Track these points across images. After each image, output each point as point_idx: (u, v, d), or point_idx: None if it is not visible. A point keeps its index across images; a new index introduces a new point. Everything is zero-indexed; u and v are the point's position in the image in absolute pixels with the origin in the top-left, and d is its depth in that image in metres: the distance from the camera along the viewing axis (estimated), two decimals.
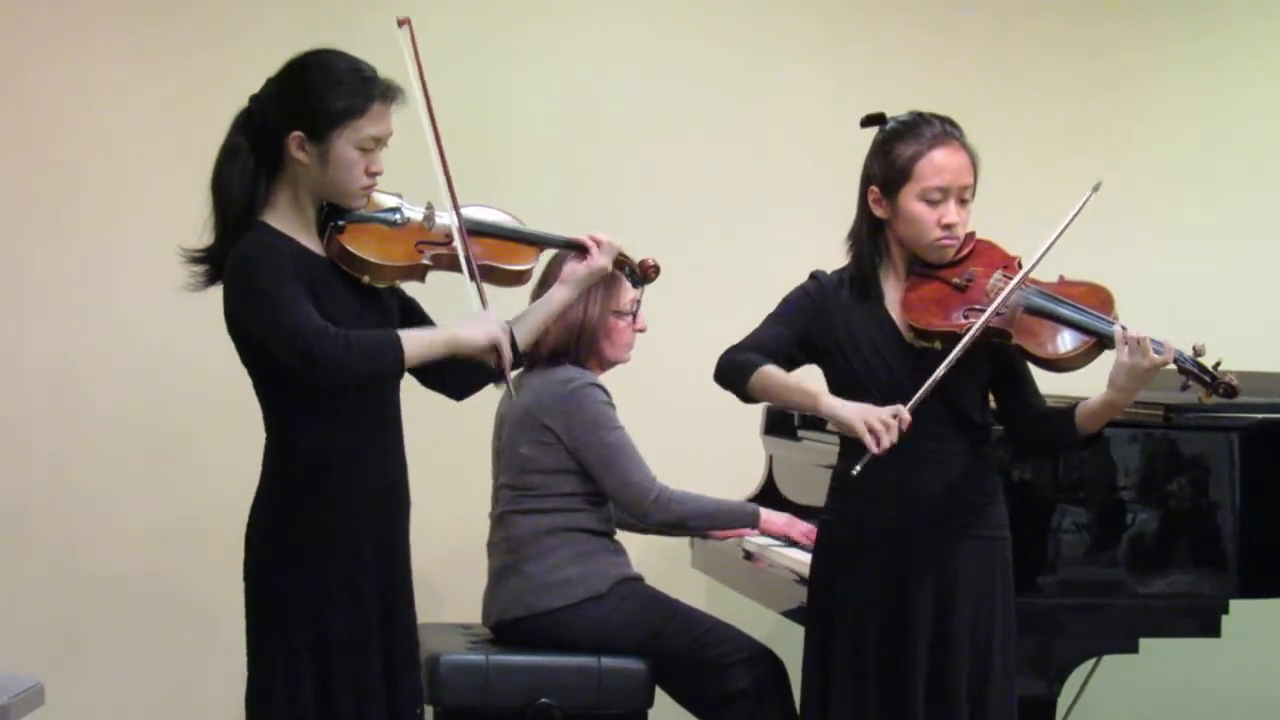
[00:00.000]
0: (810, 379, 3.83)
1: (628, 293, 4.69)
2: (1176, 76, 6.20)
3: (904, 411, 3.58)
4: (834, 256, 3.86)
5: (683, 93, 5.95)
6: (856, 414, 3.61)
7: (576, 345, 4.65)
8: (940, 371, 3.60)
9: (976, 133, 3.77)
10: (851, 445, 3.75)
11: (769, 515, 4.72)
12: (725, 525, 4.79)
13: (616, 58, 5.93)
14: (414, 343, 3.46)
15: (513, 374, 3.60)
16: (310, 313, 3.38)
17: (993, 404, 3.85)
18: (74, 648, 5.53)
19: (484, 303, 3.54)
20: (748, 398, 3.84)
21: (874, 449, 3.57)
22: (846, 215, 3.83)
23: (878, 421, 3.58)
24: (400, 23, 3.55)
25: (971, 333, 3.59)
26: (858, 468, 3.60)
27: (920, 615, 3.69)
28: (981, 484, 3.77)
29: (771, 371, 3.77)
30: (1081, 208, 3.65)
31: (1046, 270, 3.72)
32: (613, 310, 4.68)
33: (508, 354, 3.52)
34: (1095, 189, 3.63)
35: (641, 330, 4.77)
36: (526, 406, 4.64)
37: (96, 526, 5.56)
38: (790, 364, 3.83)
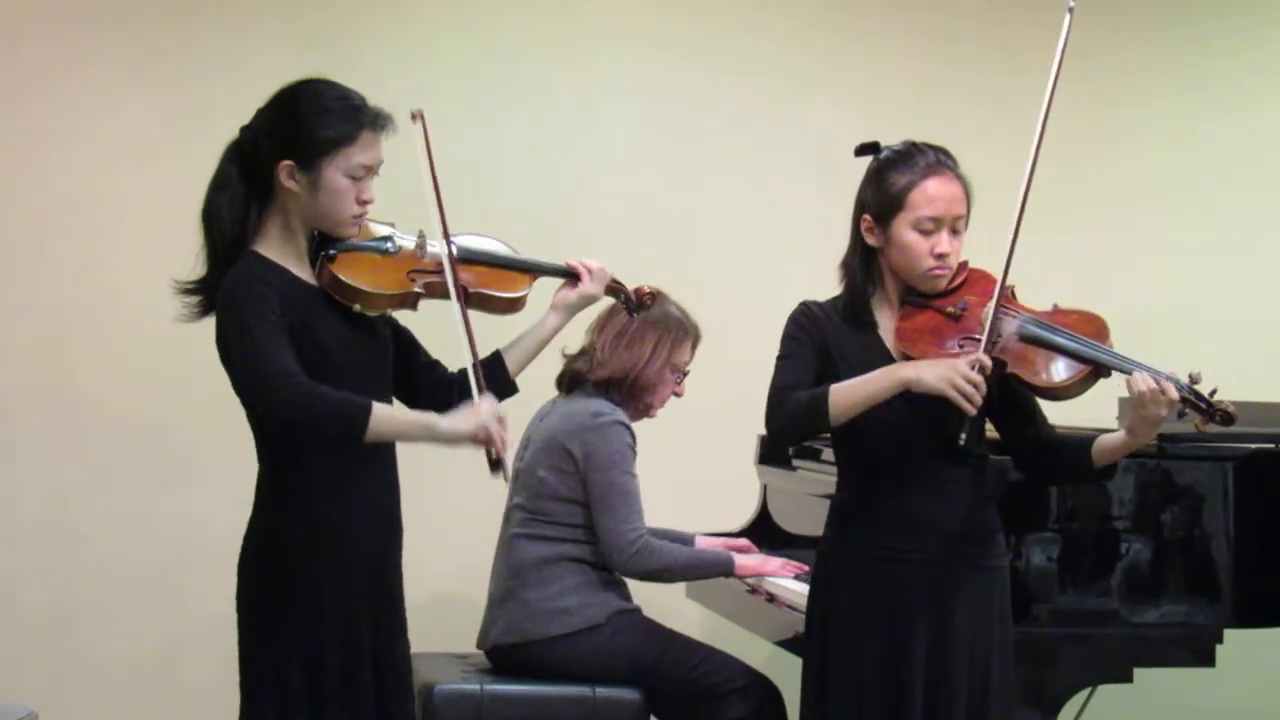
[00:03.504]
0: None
1: (687, 352, 4.71)
2: (1153, 104, 6.29)
3: (984, 358, 3.54)
4: (832, 284, 3.85)
5: (681, 122, 5.98)
6: (943, 381, 3.51)
7: (630, 384, 4.67)
8: (987, 327, 3.58)
9: (967, 153, 3.77)
10: (854, 471, 3.76)
11: (742, 561, 4.70)
12: (700, 577, 4.80)
13: (615, 88, 5.96)
14: (385, 419, 3.43)
15: (509, 460, 3.53)
16: (283, 356, 3.37)
17: (991, 432, 3.85)
18: (69, 676, 5.52)
19: (480, 389, 3.50)
20: (825, 428, 3.73)
21: (971, 412, 3.52)
22: (844, 241, 3.83)
23: (964, 382, 3.50)
24: (414, 116, 3.53)
25: (986, 336, 3.57)
26: (963, 436, 3.55)
27: (918, 645, 3.68)
28: (982, 514, 3.76)
29: (840, 388, 3.64)
30: (1065, 39, 3.68)
31: (1039, 296, 3.73)
32: (670, 363, 4.69)
33: (500, 444, 3.45)
34: (1071, 10, 3.68)
35: (678, 394, 4.78)
36: (553, 430, 4.66)
37: (91, 554, 5.56)
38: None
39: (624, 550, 4.57)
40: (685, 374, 4.78)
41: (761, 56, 6.06)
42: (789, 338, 3.80)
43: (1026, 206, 3.62)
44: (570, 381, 4.75)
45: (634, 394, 4.70)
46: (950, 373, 3.52)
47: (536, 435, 4.72)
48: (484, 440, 3.44)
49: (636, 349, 4.67)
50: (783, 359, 3.79)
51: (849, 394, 3.61)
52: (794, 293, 3.96)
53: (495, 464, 3.47)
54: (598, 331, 4.73)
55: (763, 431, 3.79)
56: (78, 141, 5.64)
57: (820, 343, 3.74)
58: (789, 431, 3.84)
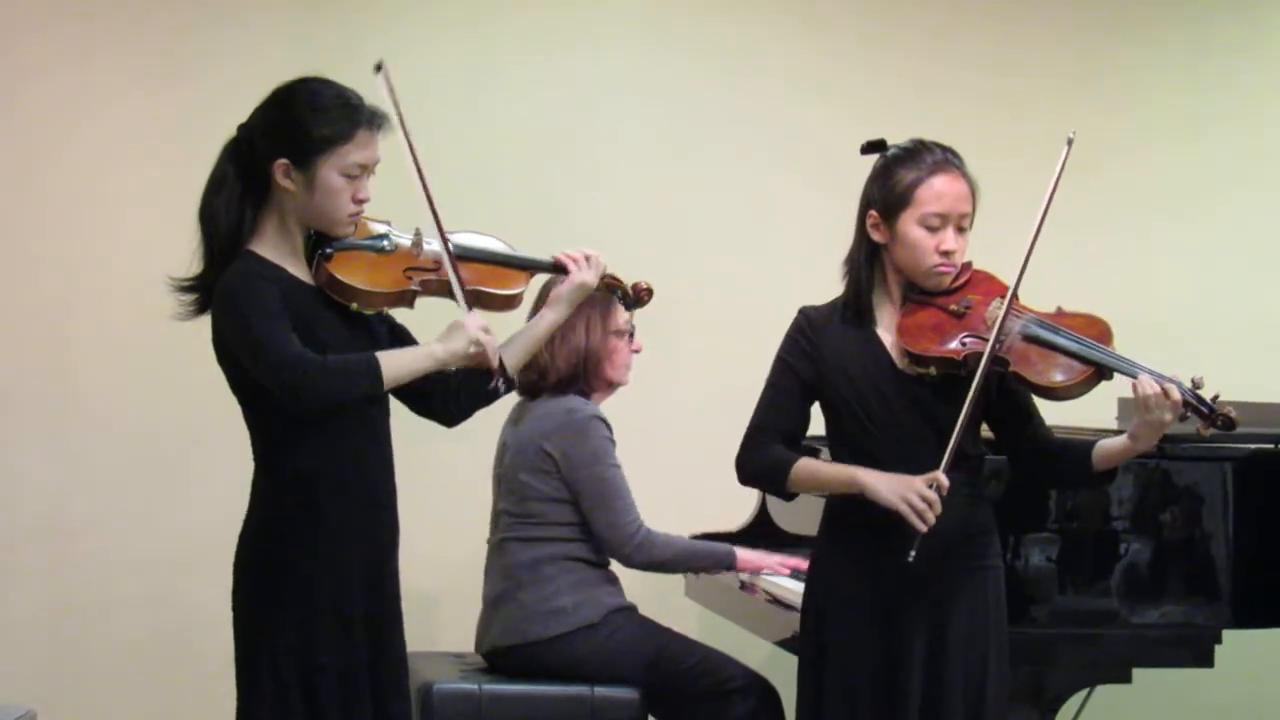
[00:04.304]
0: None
1: (622, 313, 4.70)
2: (1157, 103, 6.28)
3: (941, 477, 3.58)
4: (829, 284, 3.85)
5: (677, 119, 5.97)
6: (895, 495, 3.58)
7: (584, 372, 4.66)
8: (977, 384, 3.59)
9: (971, 155, 3.77)
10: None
11: (744, 555, 4.72)
12: (702, 568, 4.82)
13: (610, 85, 5.95)
14: (393, 363, 3.46)
15: (503, 385, 3.57)
16: (288, 340, 3.38)
17: (987, 433, 3.85)
18: (66, 676, 5.51)
19: (468, 306, 3.54)
20: (783, 496, 3.87)
21: (922, 529, 3.57)
22: (842, 243, 3.83)
23: (918, 499, 3.56)
24: (376, 68, 3.51)
25: (982, 367, 3.59)
26: (911, 554, 3.57)
27: (914, 645, 3.68)
28: (976, 516, 3.76)
29: (804, 466, 3.76)
30: (1063, 165, 3.65)
31: (1043, 299, 3.73)
32: (611, 331, 4.69)
33: (493, 351, 3.51)
34: (1070, 142, 3.64)
35: (637, 351, 4.77)
36: (529, 434, 4.64)
37: (88, 554, 5.56)
38: (807, 421, 3.83)
39: (626, 543, 4.58)
40: (632, 331, 4.75)
41: (762, 55, 6.05)
42: (781, 360, 3.82)
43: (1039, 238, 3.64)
44: (529, 390, 4.73)
45: (593, 376, 4.69)
46: (905, 489, 3.59)
47: (512, 440, 4.71)
48: (478, 354, 3.50)
49: (572, 337, 4.64)
50: (770, 388, 3.83)
51: (810, 476, 3.76)
52: (793, 291, 3.96)
53: (490, 377, 3.52)
54: None
55: None
56: (75, 139, 5.63)
57: (809, 358, 3.76)
58: (751, 483, 3.93)
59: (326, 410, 3.45)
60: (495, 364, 3.52)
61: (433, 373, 3.59)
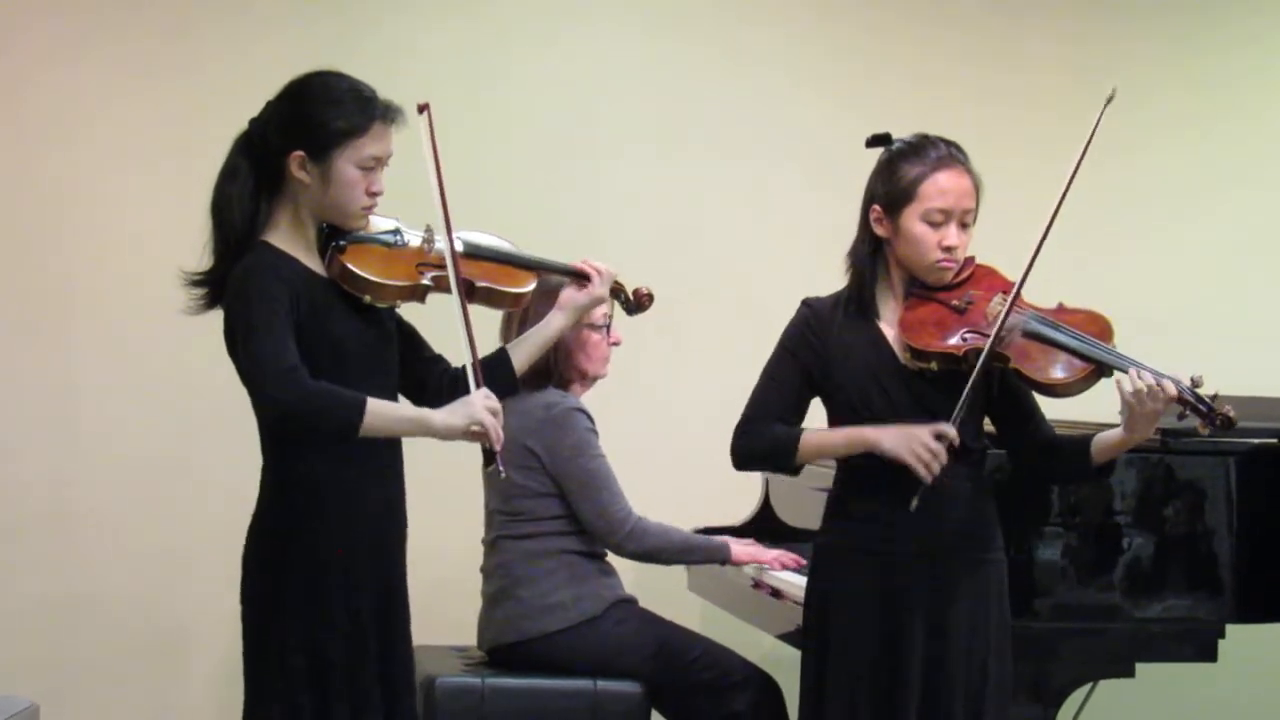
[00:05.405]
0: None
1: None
2: (1165, 98, 6.27)
3: (948, 428, 3.60)
4: (830, 279, 3.87)
5: (679, 113, 5.97)
6: (902, 445, 3.61)
7: (555, 365, 4.64)
8: (974, 378, 3.60)
9: (972, 150, 3.79)
10: (853, 464, 3.76)
11: (738, 549, 4.72)
12: (696, 560, 4.81)
13: (614, 79, 5.95)
14: (379, 414, 3.42)
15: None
16: (284, 351, 3.37)
17: (989, 427, 3.86)
18: (69, 670, 5.52)
19: (478, 383, 3.51)
20: (789, 470, 3.85)
21: (928, 480, 3.59)
22: (843, 238, 3.84)
23: (924, 450, 3.59)
24: (420, 108, 3.53)
25: (980, 362, 3.60)
26: (915, 502, 3.60)
27: (915, 638, 3.70)
28: (978, 509, 3.78)
29: (809, 436, 3.78)
30: (1099, 120, 3.68)
31: (1045, 295, 3.74)
32: (585, 324, 4.66)
33: (496, 435, 3.47)
34: (1109, 100, 3.68)
35: (616, 343, 4.76)
36: (512, 431, 4.61)
37: (92, 548, 5.56)
38: (802, 413, 3.84)
39: (617, 531, 4.57)
40: (608, 325, 4.72)
41: (763, 51, 6.05)
42: (784, 349, 3.84)
43: (1051, 230, 3.65)
44: None
45: (565, 368, 4.67)
46: (911, 440, 3.61)
47: None
48: (478, 434, 3.47)
49: None
50: (768, 376, 3.84)
51: (818, 444, 3.77)
52: (793, 288, 3.97)
53: (489, 457, 3.49)
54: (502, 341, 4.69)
55: None
56: (75, 138, 5.63)
57: (812, 349, 3.78)
58: (751, 465, 3.93)
59: (288, 432, 3.43)
60: (498, 446, 3.49)
61: (422, 368, 3.66)
